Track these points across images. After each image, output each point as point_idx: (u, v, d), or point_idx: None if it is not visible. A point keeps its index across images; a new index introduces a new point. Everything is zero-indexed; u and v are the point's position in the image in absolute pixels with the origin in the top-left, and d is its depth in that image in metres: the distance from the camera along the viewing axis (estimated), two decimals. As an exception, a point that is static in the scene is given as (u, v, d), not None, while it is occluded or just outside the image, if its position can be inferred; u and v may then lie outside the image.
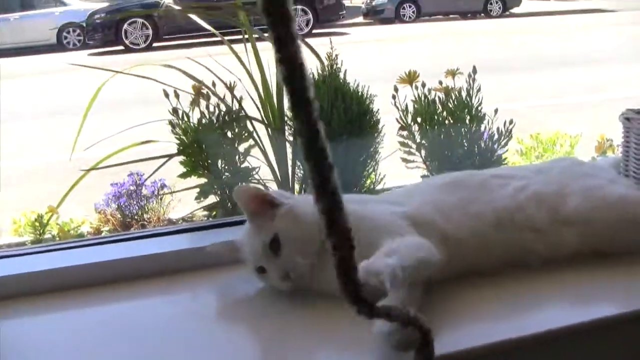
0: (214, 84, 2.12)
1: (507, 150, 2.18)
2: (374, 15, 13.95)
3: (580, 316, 1.21)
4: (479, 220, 1.34)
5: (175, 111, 2.03)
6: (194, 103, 2.06)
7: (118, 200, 2.25)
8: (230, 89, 2.13)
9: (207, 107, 2.05)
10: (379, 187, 2.19)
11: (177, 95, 2.06)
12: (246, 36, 2.23)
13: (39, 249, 1.56)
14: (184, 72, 2.15)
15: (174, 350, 1.18)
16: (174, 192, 2.14)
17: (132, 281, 1.41)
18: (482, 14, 13.70)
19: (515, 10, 13.86)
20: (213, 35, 2.28)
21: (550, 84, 5.40)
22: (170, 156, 2.01)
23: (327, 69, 2.11)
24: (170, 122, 2.04)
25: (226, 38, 2.30)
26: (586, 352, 1.24)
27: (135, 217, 2.27)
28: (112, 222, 2.24)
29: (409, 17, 13.37)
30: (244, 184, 1.96)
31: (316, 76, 2.12)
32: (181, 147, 2.02)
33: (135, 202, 2.26)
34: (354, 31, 12.76)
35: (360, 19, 14.09)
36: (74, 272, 1.42)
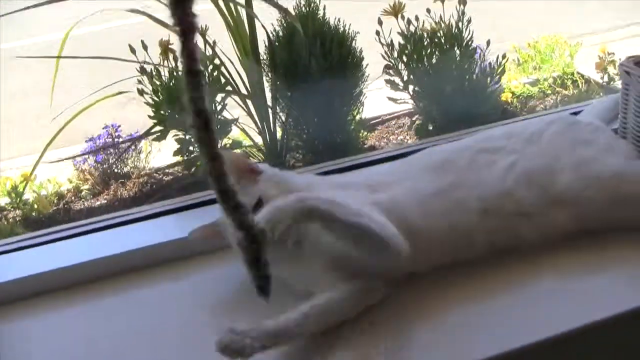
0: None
1: (499, 86, 2.07)
2: None
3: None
4: (461, 209, 1.26)
5: (143, 70, 1.88)
6: (164, 55, 1.92)
7: (95, 156, 2.15)
8: (202, 33, 1.98)
9: (175, 60, 1.91)
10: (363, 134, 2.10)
11: (145, 47, 1.92)
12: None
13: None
14: (152, 17, 1.97)
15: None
16: (145, 136, 2.00)
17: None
18: None
19: None
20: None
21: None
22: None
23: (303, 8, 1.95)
24: (140, 82, 1.91)
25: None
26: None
27: (115, 172, 2.18)
28: (90, 181, 2.16)
29: None
30: (227, 150, 1.86)
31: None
32: (153, 108, 1.90)
33: (112, 157, 2.16)
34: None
35: None
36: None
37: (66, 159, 2.12)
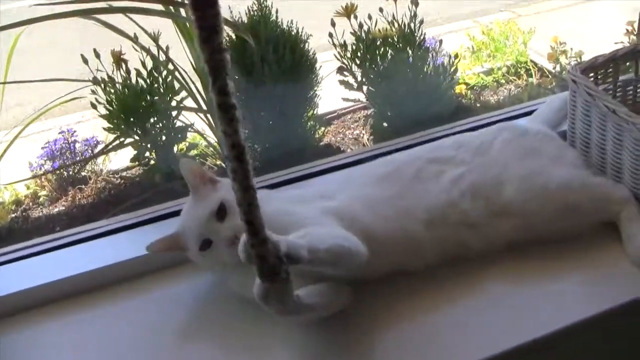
0: (135, 37, 1.93)
1: (453, 81, 2.08)
2: None
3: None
4: (408, 218, 1.29)
5: (96, 82, 1.86)
6: (116, 65, 1.90)
7: (52, 162, 2.14)
8: (155, 38, 1.96)
9: (128, 72, 1.89)
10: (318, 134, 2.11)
11: (97, 56, 1.90)
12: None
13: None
14: (106, 24, 1.94)
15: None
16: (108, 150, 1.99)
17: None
18: None
19: None
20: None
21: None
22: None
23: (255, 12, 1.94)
24: (94, 92, 1.89)
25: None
26: None
27: (73, 176, 2.17)
28: (47, 187, 2.15)
29: None
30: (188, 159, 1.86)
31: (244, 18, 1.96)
32: (110, 118, 1.89)
33: (69, 162, 2.15)
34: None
35: None
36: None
37: (25, 179, 2.11)
